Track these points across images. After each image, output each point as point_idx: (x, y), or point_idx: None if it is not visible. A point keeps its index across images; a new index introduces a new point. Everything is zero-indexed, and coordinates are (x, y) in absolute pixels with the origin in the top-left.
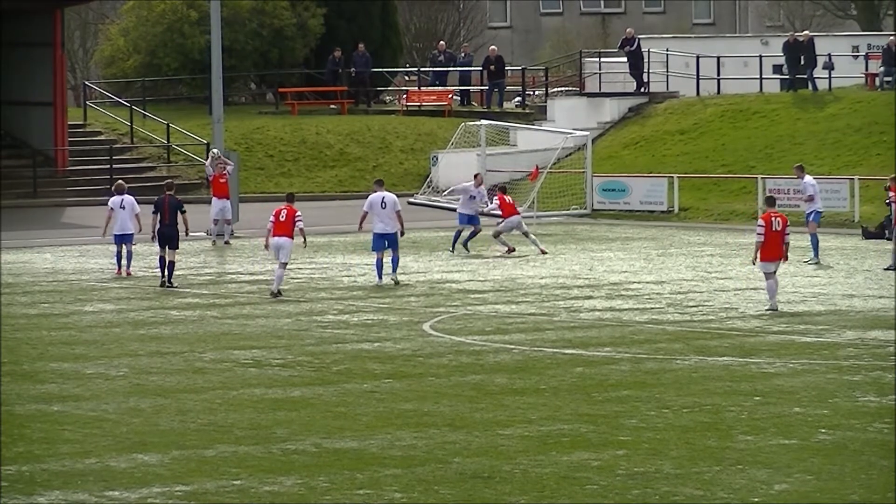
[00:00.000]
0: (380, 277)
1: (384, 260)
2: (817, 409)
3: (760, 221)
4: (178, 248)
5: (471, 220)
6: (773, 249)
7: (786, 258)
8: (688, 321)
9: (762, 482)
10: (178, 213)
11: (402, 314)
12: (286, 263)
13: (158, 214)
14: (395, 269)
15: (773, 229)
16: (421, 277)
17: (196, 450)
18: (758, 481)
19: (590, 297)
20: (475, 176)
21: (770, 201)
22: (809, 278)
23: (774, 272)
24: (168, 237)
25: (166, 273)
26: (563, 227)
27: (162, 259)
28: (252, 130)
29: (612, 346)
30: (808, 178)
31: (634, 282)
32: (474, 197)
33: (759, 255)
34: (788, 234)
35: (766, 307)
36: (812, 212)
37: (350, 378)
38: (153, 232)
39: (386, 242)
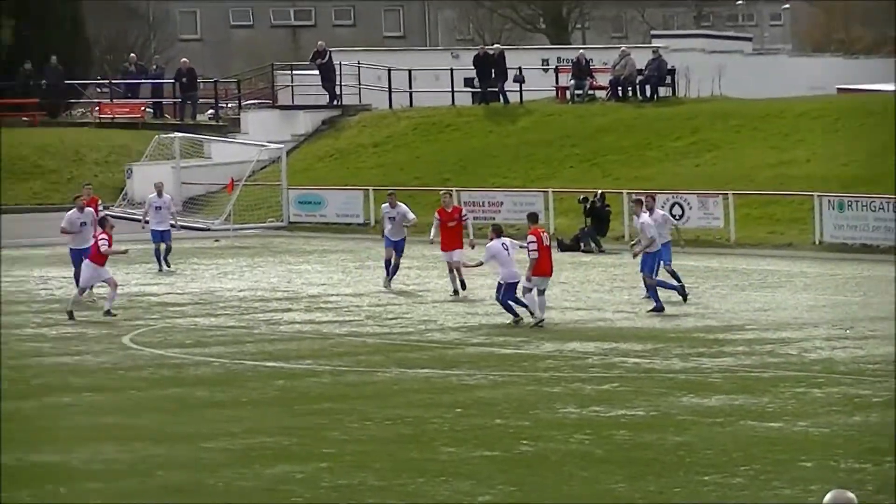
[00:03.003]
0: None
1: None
2: (518, 421)
3: (532, 237)
4: None
5: (163, 235)
6: (546, 264)
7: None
8: (387, 333)
9: (465, 493)
10: None
11: (101, 327)
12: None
13: None
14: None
15: (545, 244)
16: (120, 290)
17: None
18: (461, 492)
19: (289, 310)
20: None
21: (533, 217)
22: None
23: (543, 289)
24: None
25: None
26: (261, 240)
27: None
28: None
29: (313, 358)
30: (644, 217)
31: (333, 294)
32: (160, 208)
33: (532, 271)
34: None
35: (533, 322)
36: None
37: (50, 392)
38: None
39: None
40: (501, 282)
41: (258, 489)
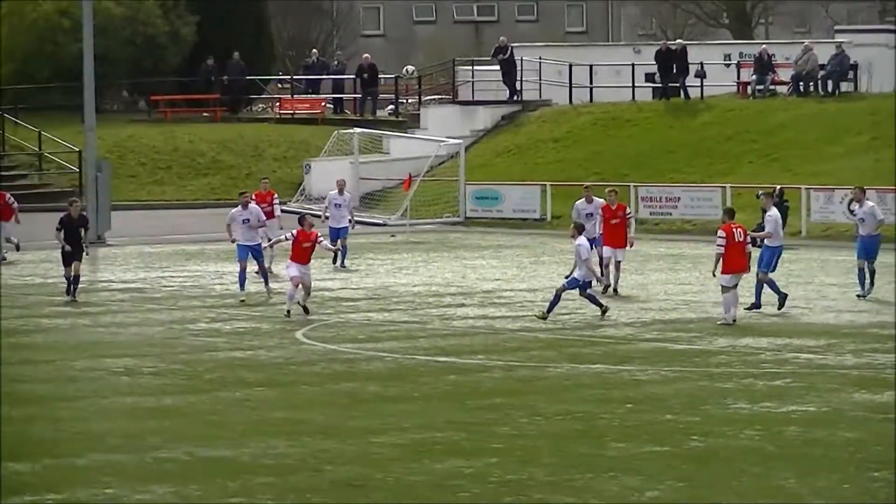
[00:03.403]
0: None
1: None
2: (689, 417)
3: (721, 233)
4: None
5: (339, 233)
6: (734, 261)
7: (748, 269)
8: (560, 329)
9: (634, 489)
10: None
11: (274, 322)
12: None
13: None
14: None
15: (736, 240)
16: None
17: (68, 458)
18: (629, 488)
19: (462, 305)
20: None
21: (729, 213)
22: (681, 286)
23: (736, 285)
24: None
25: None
26: (436, 235)
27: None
28: (124, 138)
29: (485, 353)
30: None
31: (507, 290)
32: (339, 205)
33: (720, 268)
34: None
35: (720, 321)
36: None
37: (222, 386)
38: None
39: None
40: (580, 279)
41: (427, 484)
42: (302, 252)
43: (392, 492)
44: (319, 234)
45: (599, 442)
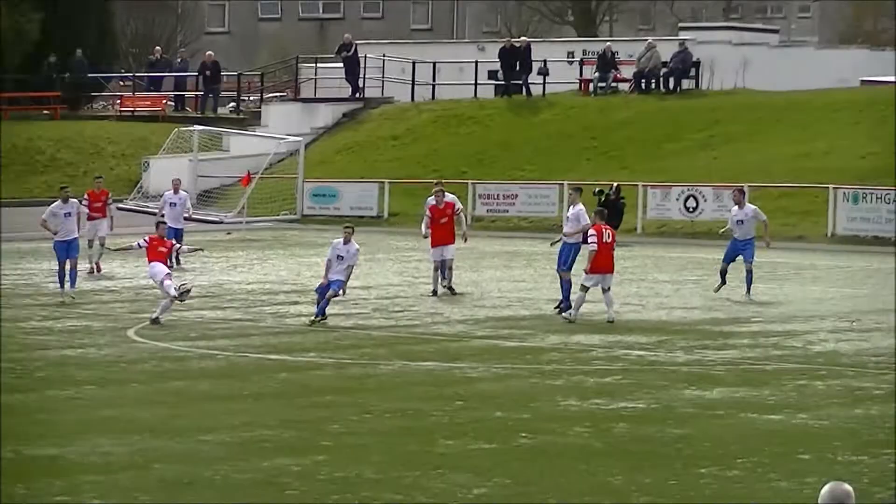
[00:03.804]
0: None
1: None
2: (519, 414)
3: (592, 232)
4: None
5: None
6: (599, 262)
7: (612, 270)
8: (393, 326)
9: (462, 486)
10: None
11: (106, 320)
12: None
13: None
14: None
15: (604, 241)
16: (127, 283)
17: None
18: (458, 485)
19: (296, 303)
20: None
21: (600, 214)
22: (515, 283)
23: (594, 286)
24: None
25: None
26: (273, 233)
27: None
28: None
29: (317, 351)
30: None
31: None
32: (175, 205)
33: (590, 267)
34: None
35: (566, 317)
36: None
37: (52, 385)
38: None
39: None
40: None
41: (255, 482)
42: (161, 254)
43: (219, 490)
44: (175, 243)
45: (429, 439)
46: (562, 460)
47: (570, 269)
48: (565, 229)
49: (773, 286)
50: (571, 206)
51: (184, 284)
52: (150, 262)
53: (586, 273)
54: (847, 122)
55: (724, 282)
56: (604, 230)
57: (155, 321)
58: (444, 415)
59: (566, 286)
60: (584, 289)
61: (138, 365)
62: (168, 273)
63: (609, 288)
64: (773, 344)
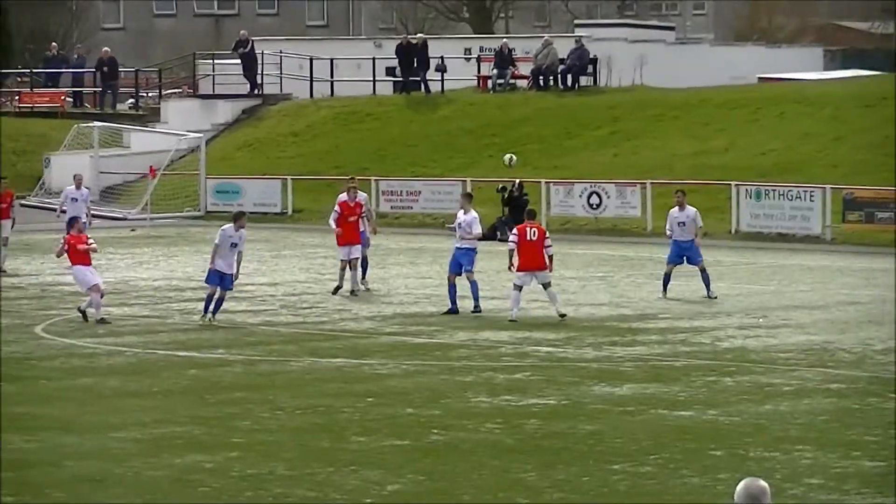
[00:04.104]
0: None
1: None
2: (429, 410)
3: (515, 231)
4: None
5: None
6: (525, 260)
7: (550, 269)
8: (301, 323)
9: (375, 483)
10: None
11: (13, 317)
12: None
13: None
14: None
15: (528, 239)
16: (33, 280)
17: None
18: (370, 482)
19: (202, 300)
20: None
21: (530, 214)
22: (422, 280)
23: (528, 284)
24: None
25: None
26: (177, 229)
27: None
28: None
29: (226, 348)
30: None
31: (248, 284)
32: (76, 200)
33: (515, 265)
34: (550, 245)
35: (510, 317)
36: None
37: None
38: None
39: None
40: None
41: (167, 479)
42: (82, 254)
43: (131, 487)
44: (90, 238)
45: (341, 436)
46: (474, 457)
47: (460, 272)
48: (458, 234)
49: (681, 283)
50: (462, 213)
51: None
52: (73, 265)
53: (515, 272)
54: (746, 119)
55: (667, 282)
56: (528, 229)
57: (101, 321)
58: (355, 411)
59: (452, 290)
60: (517, 287)
61: (47, 362)
62: (95, 284)
63: (549, 284)
64: (682, 340)
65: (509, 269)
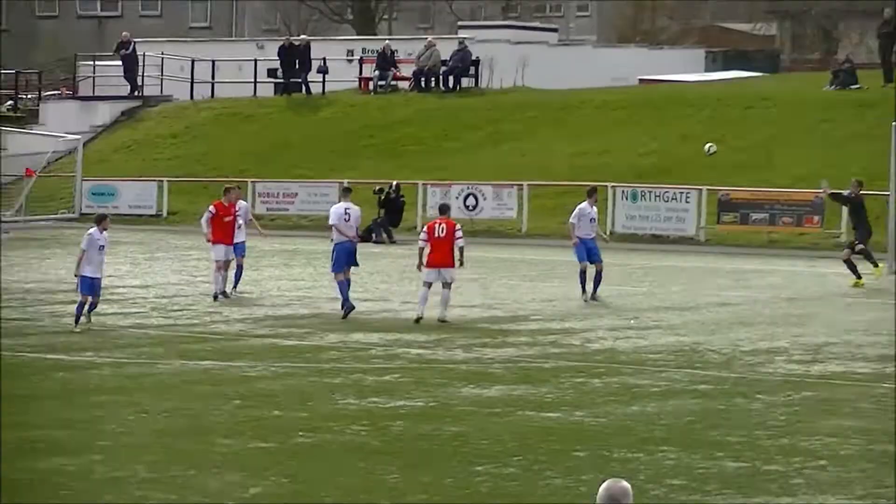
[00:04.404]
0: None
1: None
2: (296, 412)
3: (425, 230)
4: None
5: None
6: (432, 257)
7: (461, 263)
8: (172, 325)
9: (237, 485)
10: None
11: None
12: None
13: None
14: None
15: (436, 236)
16: None
17: None
18: (232, 484)
19: (74, 302)
20: None
21: (442, 209)
22: (295, 282)
23: (435, 281)
24: None
25: None
26: (51, 232)
27: None
28: None
29: (95, 350)
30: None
31: (120, 286)
32: None
33: (424, 262)
34: (461, 237)
35: (414, 316)
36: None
37: None
38: None
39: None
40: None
41: (30, 482)
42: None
43: None
44: None
45: (206, 438)
46: (339, 459)
47: (341, 269)
48: (341, 229)
49: (553, 284)
50: (349, 204)
51: None
52: None
53: (423, 269)
54: (624, 121)
55: (584, 281)
56: (437, 225)
57: None
58: (221, 414)
59: (341, 286)
60: (426, 284)
61: None
62: None
63: (451, 283)
64: (552, 342)
65: (418, 268)
